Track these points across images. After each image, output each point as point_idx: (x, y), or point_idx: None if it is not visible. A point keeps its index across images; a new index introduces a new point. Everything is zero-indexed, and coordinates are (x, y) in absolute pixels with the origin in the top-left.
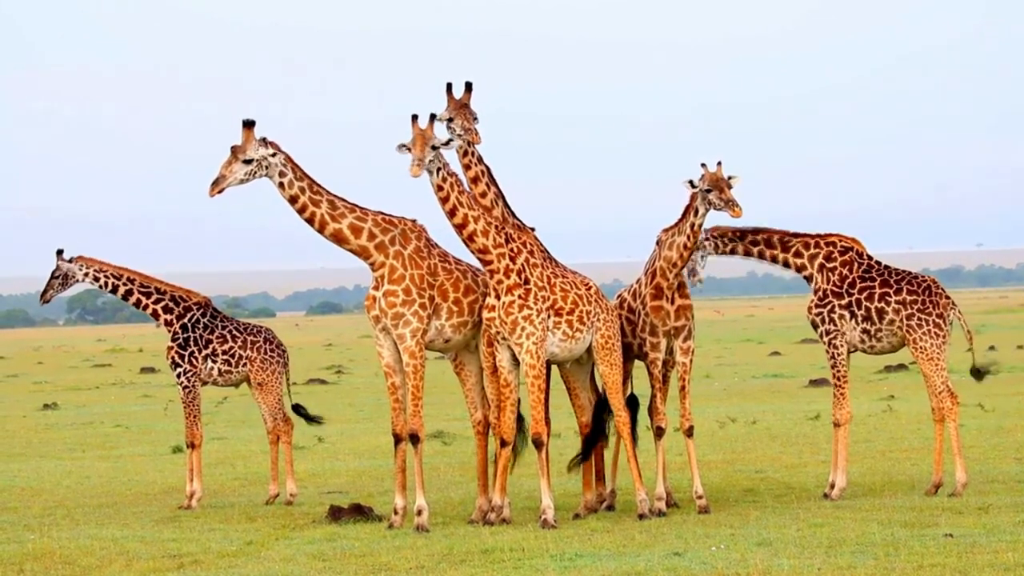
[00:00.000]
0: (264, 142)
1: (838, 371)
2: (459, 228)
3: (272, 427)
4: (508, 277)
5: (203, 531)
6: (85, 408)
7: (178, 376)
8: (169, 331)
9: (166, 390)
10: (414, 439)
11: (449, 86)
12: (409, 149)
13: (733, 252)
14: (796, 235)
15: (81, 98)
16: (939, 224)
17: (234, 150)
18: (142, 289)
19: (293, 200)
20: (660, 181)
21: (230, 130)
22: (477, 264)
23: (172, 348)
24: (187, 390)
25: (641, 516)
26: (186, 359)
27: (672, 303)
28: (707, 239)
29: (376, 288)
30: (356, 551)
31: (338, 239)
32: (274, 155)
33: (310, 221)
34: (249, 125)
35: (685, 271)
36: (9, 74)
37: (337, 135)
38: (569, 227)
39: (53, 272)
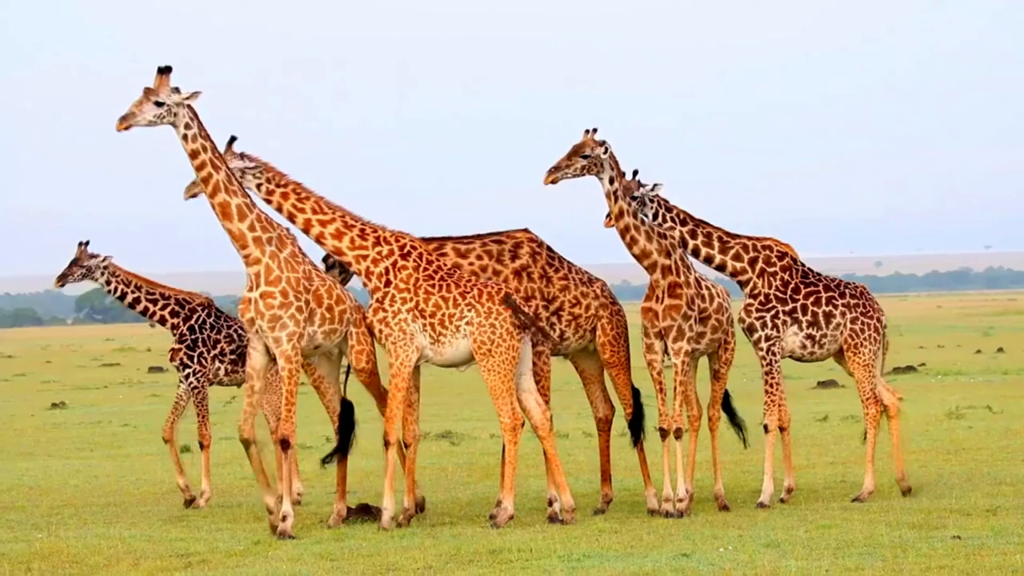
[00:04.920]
0: (176, 90)
1: (774, 377)
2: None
3: (275, 426)
4: (369, 280)
5: (211, 530)
6: (93, 407)
7: (187, 377)
8: (175, 333)
9: (175, 390)
10: (284, 445)
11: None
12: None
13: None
14: (734, 236)
15: (89, 99)
16: (947, 226)
17: (147, 91)
18: (149, 296)
19: (194, 155)
20: (671, 182)
21: (232, 130)
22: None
23: (180, 350)
24: (196, 391)
25: (651, 512)
26: (195, 360)
27: (660, 303)
28: (652, 201)
29: (251, 290)
30: (363, 551)
31: (224, 213)
32: (183, 104)
33: (206, 181)
34: (165, 71)
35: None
36: (49, 72)
37: (338, 137)
38: (579, 229)
39: (77, 260)
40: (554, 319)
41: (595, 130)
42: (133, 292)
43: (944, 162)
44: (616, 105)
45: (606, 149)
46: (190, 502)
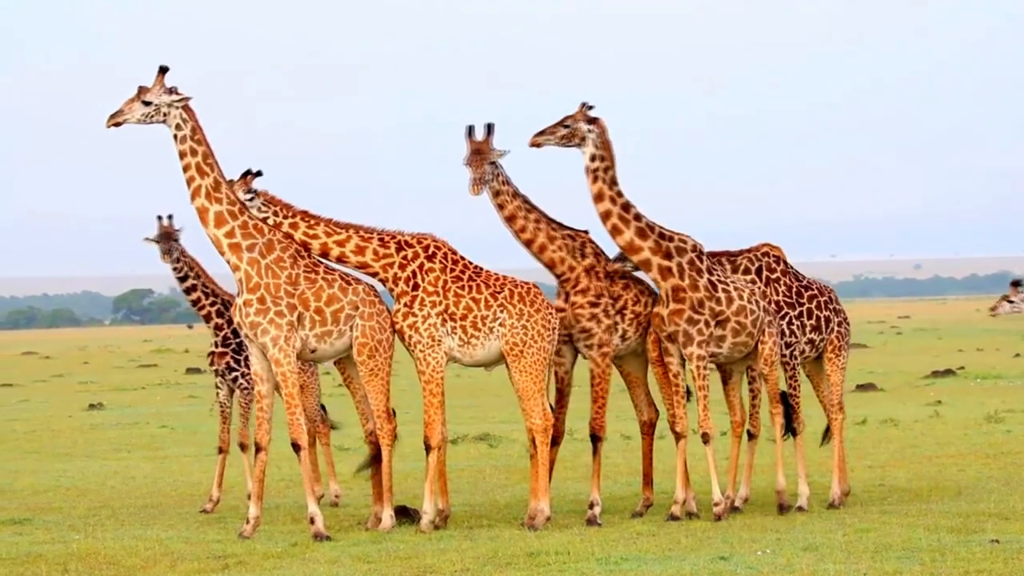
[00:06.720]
0: (171, 91)
1: (797, 383)
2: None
3: (309, 429)
4: (396, 285)
5: None
6: (131, 408)
7: (235, 380)
8: (219, 335)
9: (212, 391)
10: (295, 448)
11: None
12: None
13: None
14: (736, 253)
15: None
16: (987, 229)
17: (139, 90)
18: (204, 288)
19: (181, 156)
20: (702, 181)
21: (234, 130)
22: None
23: (227, 354)
24: (246, 392)
25: (689, 515)
26: (243, 363)
27: (666, 307)
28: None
29: (238, 295)
30: (401, 553)
31: (200, 217)
32: (174, 104)
33: (188, 183)
34: (163, 71)
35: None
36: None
37: (342, 140)
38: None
39: (169, 234)
40: (618, 318)
41: (591, 107)
42: (194, 278)
43: (984, 164)
44: (646, 104)
45: (591, 127)
46: (206, 511)
